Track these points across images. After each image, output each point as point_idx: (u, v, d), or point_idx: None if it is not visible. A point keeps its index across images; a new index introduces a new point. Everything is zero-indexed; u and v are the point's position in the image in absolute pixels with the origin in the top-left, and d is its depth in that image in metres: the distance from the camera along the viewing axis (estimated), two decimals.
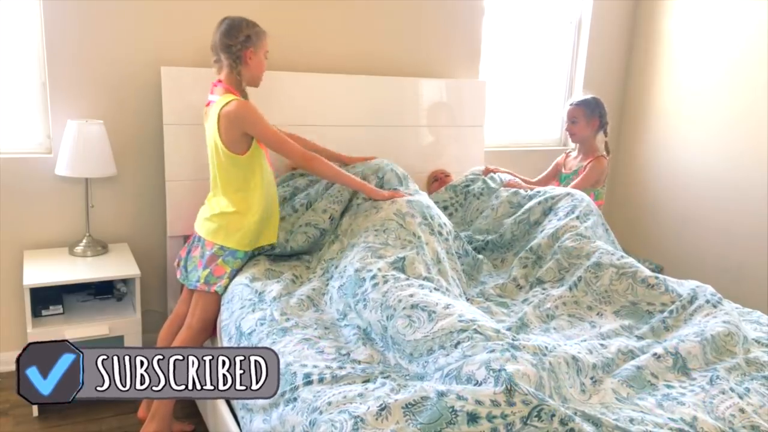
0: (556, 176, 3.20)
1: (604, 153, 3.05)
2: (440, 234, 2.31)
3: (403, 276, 1.95)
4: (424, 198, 2.45)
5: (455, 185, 3.02)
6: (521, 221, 2.62)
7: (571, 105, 3.07)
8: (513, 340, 1.61)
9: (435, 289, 1.93)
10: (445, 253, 2.26)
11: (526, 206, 2.67)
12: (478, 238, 2.69)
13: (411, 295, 1.82)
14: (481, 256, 2.52)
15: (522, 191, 2.83)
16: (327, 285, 2.13)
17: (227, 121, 2.14)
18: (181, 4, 2.79)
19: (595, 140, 3.06)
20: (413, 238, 2.17)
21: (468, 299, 2.24)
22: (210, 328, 2.31)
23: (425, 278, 1.99)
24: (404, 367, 1.68)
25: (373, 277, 1.95)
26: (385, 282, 1.91)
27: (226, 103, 2.15)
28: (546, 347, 1.66)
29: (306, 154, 2.27)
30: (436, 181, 3.27)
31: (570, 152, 3.20)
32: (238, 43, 2.18)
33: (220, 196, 2.28)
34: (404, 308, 1.78)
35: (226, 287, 2.23)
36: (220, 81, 2.23)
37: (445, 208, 2.92)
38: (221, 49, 2.21)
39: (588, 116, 3.00)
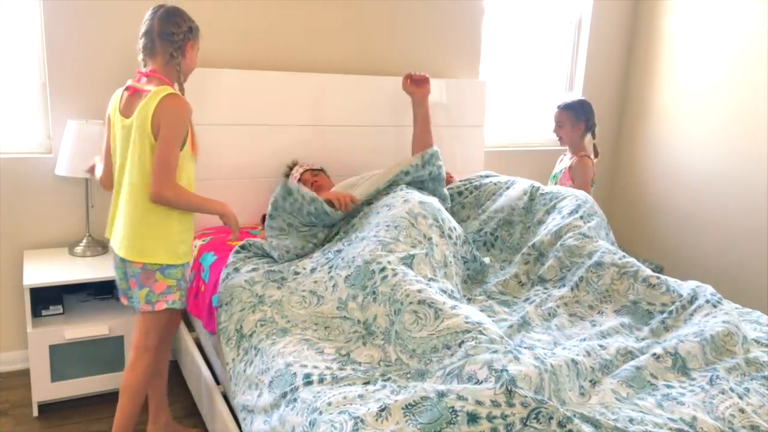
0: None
1: (590, 154, 3.06)
2: (450, 237, 2.32)
3: (411, 272, 1.96)
4: (435, 201, 2.46)
5: (470, 179, 2.95)
6: (530, 227, 2.62)
7: (557, 108, 3.08)
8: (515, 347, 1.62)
9: (442, 291, 1.94)
10: (453, 257, 2.28)
11: (534, 209, 2.66)
12: (486, 231, 2.68)
13: (419, 291, 1.82)
14: (487, 260, 2.52)
15: (542, 186, 2.77)
16: (330, 273, 2.12)
17: (164, 113, 1.89)
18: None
19: (582, 142, 3.09)
20: (423, 240, 2.18)
21: (469, 299, 2.24)
22: (170, 340, 2.20)
23: (431, 279, 2.00)
24: (405, 362, 1.69)
25: (383, 269, 1.95)
26: (395, 275, 1.92)
27: (168, 95, 1.90)
28: (545, 354, 1.66)
29: (176, 185, 1.92)
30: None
31: (567, 152, 3.22)
32: (181, 33, 1.97)
33: (138, 204, 1.95)
34: (411, 303, 1.79)
35: (180, 298, 2.05)
36: (153, 71, 1.98)
37: (459, 193, 2.89)
38: (160, 37, 1.96)
39: (573, 120, 3.04)
